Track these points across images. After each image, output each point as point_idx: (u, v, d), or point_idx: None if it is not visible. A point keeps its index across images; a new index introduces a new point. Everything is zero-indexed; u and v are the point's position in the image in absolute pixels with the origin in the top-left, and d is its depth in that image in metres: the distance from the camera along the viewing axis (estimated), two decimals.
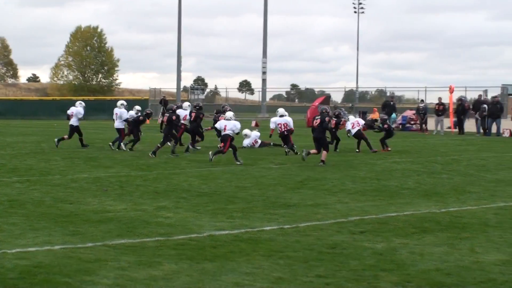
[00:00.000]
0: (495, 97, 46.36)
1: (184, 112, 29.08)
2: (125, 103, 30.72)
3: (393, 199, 15.94)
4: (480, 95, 48.31)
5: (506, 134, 41.48)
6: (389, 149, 29.41)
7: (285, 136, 27.69)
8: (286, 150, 27.33)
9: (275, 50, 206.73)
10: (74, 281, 8.80)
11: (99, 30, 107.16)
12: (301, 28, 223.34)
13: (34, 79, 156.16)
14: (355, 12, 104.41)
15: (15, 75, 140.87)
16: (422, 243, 11.16)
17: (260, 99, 78.77)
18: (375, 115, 47.60)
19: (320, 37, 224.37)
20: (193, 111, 29.12)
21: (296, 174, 20.66)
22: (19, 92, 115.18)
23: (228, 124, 24.13)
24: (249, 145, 30.63)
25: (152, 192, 16.74)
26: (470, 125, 46.19)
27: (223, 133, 24.27)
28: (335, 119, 28.45)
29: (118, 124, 29.38)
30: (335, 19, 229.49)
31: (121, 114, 29.36)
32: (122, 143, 28.91)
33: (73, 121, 30.22)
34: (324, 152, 23.23)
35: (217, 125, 25.95)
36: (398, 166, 23.05)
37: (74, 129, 30.31)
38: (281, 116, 28.04)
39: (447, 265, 9.73)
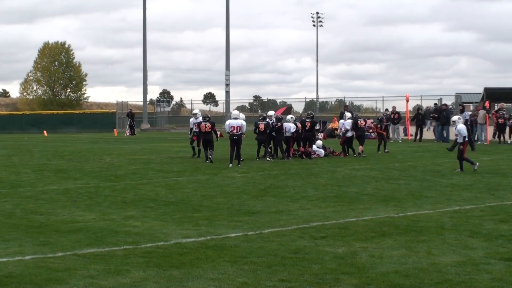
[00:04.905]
0: (444, 105, 46.77)
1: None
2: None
3: (353, 204, 15.98)
4: (435, 104, 48.67)
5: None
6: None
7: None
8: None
9: (240, 63, 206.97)
10: None
11: (66, 45, 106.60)
12: (264, 41, 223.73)
13: (4, 94, 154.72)
14: (314, 25, 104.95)
15: None
16: (381, 246, 11.20)
17: (224, 111, 78.66)
18: (335, 124, 47.75)
19: (283, 50, 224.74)
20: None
21: (259, 182, 20.66)
22: None
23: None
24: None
25: (120, 202, 16.66)
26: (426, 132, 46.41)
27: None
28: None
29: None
30: (298, 32, 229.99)
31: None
32: None
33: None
34: None
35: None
36: (357, 173, 23.13)
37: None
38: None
39: (406, 267, 9.77)
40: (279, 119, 29.60)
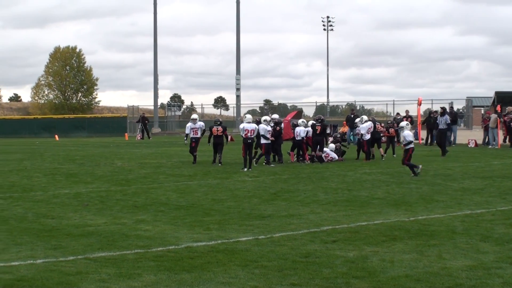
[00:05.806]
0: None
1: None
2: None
3: (364, 208, 15.97)
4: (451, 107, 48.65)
5: (472, 145, 41.68)
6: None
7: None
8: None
9: (250, 67, 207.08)
10: None
11: (77, 50, 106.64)
12: (275, 45, 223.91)
13: (16, 98, 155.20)
14: (324, 29, 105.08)
15: None
16: (392, 250, 11.19)
17: (235, 115, 78.80)
18: (345, 129, 47.68)
19: (293, 54, 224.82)
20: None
21: (269, 186, 20.67)
22: (1, 112, 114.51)
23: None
24: None
25: (131, 206, 16.69)
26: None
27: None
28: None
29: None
30: (308, 36, 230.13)
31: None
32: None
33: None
34: None
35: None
36: (368, 177, 23.11)
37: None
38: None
39: (416, 271, 9.75)
40: (278, 123, 29.59)
